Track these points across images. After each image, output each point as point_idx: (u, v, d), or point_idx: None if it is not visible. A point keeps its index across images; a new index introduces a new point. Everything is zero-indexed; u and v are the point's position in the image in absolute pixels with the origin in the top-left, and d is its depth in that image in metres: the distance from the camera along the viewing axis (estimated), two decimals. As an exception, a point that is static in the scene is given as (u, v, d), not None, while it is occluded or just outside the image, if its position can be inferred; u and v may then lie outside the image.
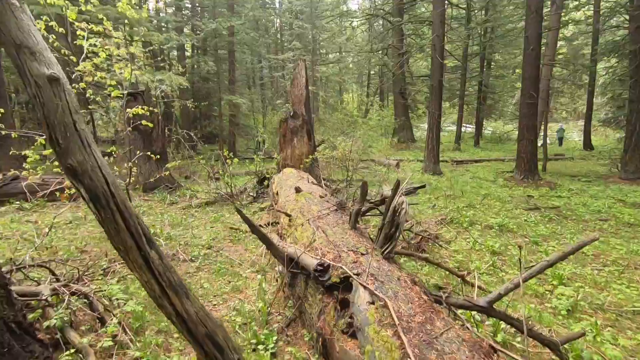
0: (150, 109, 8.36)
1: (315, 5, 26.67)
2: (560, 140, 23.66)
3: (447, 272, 4.30)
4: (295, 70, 8.60)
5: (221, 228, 6.58)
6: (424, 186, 4.05)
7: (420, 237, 5.16)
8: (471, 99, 26.56)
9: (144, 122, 6.99)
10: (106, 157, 5.77)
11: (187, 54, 20.67)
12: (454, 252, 5.67)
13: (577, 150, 21.77)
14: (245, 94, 17.87)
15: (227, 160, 8.08)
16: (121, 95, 8.27)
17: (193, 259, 5.11)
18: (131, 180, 7.61)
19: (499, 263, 5.25)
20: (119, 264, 4.74)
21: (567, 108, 31.91)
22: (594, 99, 21.78)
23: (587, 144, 21.40)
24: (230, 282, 4.49)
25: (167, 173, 8.71)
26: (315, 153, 8.51)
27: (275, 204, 6.40)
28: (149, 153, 8.20)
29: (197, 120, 21.85)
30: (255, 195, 8.27)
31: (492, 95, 25.36)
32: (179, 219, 6.98)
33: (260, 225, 6.45)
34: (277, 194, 6.28)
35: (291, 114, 8.35)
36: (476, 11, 22.09)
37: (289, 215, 4.53)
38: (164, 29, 15.52)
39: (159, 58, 12.34)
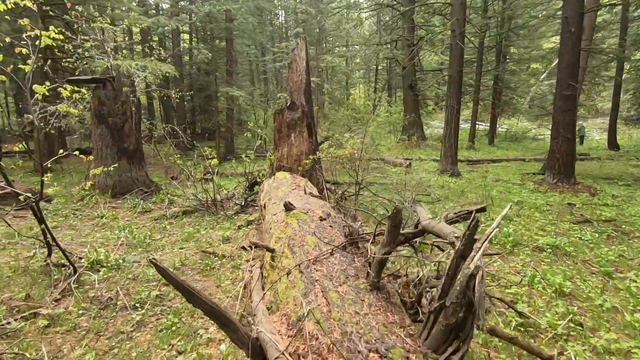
0: (122, 99, 6.79)
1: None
2: (582, 138, 21.71)
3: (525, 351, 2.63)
4: (294, 52, 6.94)
5: (193, 249, 4.97)
6: (484, 209, 2.40)
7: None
8: (485, 94, 24.67)
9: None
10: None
11: (186, 44, 19.05)
12: (503, 288, 4.02)
13: (601, 149, 19.88)
14: (246, 86, 16.25)
15: (210, 162, 6.46)
16: (87, 80, 6.70)
17: (137, 305, 3.50)
18: (91, 183, 6.03)
19: (576, 310, 3.58)
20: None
21: (585, 104, 29.81)
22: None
23: (613, 143, 19.49)
24: (180, 352, 2.87)
25: (143, 175, 7.17)
26: (318, 152, 6.85)
27: (263, 219, 4.77)
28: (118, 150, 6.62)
29: (194, 115, 20.26)
30: (243, 203, 6.64)
31: (507, 90, 23.45)
32: (142, 237, 5.38)
33: (243, 247, 4.83)
34: (264, 206, 4.66)
35: (288, 104, 6.70)
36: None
37: (270, 251, 2.90)
38: (153, 12, 13.95)
39: (148, 45, 10.70)
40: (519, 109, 23.93)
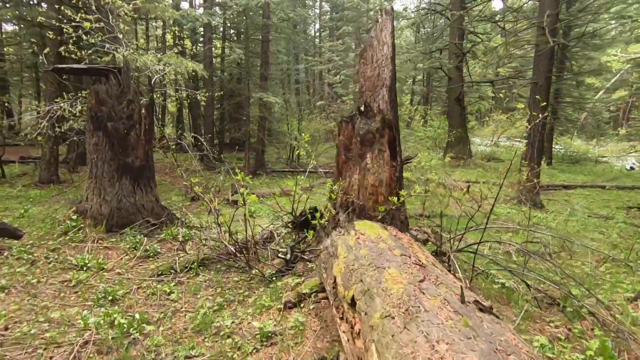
0: (129, 97, 4.70)
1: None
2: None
3: None
4: (371, 34, 4.60)
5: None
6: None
7: None
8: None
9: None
10: None
11: (218, 43, 17.19)
12: None
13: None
14: (279, 93, 14.16)
15: (242, 188, 4.17)
16: (81, 71, 4.68)
17: None
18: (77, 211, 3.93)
19: None
20: None
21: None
22: None
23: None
24: None
25: (152, 199, 5.00)
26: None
27: (336, 306, 2.38)
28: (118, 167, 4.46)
29: (223, 124, 18.31)
30: (289, 256, 4.25)
31: (565, 105, 20.38)
32: (127, 324, 3.06)
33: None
34: (335, 282, 2.30)
35: (360, 109, 4.33)
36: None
37: None
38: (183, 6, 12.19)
39: (172, 35, 8.65)
40: (581, 126, 20.76)
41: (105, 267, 4.35)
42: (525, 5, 18.52)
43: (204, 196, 4.59)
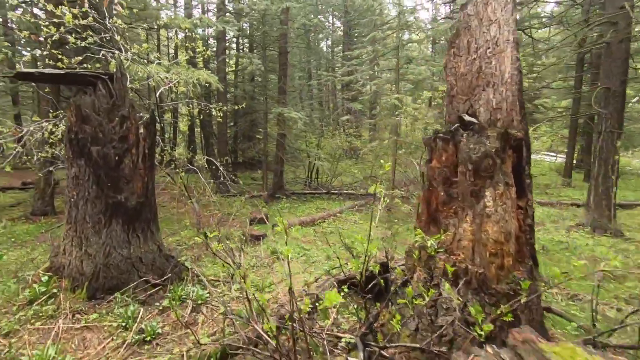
0: (123, 112, 3.28)
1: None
2: None
3: None
4: (469, 9, 3.09)
5: None
6: None
7: None
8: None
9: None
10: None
11: (232, 52, 15.97)
12: None
13: None
14: (299, 108, 12.80)
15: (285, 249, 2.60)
16: (57, 77, 3.14)
17: None
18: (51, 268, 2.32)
19: None
20: None
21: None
22: None
23: None
24: None
25: (152, 249, 3.53)
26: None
27: None
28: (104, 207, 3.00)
29: (236, 142, 16.94)
30: (361, 355, 2.64)
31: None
32: None
33: None
34: None
35: (464, 118, 2.78)
36: None
37: None
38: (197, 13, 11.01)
39: (183, 44, 7.27)
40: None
41: (75, 368, 2.79)
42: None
43: (224, 255, 3.03)
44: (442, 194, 2.77)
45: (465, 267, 2.55)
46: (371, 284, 3.11)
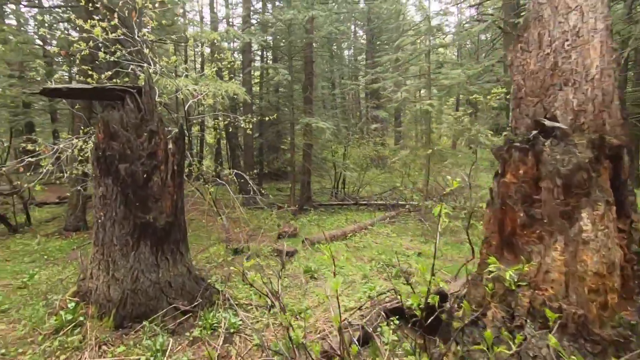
0: (151, 127, 3.02)
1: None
2: None
3: None
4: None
5: None
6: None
7: None
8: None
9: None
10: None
11: (256, 63, 15.98)
12: None
13: None
14: (325, 117, 12.53)
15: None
16: (86, 93, 2.94)
17: None
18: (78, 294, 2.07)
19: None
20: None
21: None
22: None
23: None
24: None
25: (182, 272, 3.24)
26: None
27: None
28: (132, 228, 2.74)
29: (262, 154, 16.83)
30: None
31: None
32: None
33: None
34: None
35: (544, 124, 2.32)
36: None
37: None
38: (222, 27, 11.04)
39: (221, 63, 7.12)
40: None
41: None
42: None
43: (260, 284, 2.67)
44: (521, 214, 2.30)
45: (559, 307, 2.06)
46: (431, 318, 2.64)
